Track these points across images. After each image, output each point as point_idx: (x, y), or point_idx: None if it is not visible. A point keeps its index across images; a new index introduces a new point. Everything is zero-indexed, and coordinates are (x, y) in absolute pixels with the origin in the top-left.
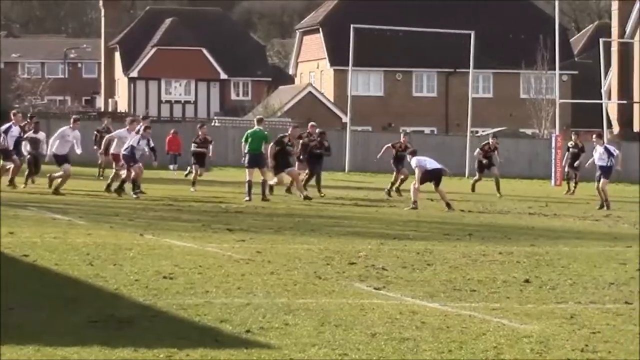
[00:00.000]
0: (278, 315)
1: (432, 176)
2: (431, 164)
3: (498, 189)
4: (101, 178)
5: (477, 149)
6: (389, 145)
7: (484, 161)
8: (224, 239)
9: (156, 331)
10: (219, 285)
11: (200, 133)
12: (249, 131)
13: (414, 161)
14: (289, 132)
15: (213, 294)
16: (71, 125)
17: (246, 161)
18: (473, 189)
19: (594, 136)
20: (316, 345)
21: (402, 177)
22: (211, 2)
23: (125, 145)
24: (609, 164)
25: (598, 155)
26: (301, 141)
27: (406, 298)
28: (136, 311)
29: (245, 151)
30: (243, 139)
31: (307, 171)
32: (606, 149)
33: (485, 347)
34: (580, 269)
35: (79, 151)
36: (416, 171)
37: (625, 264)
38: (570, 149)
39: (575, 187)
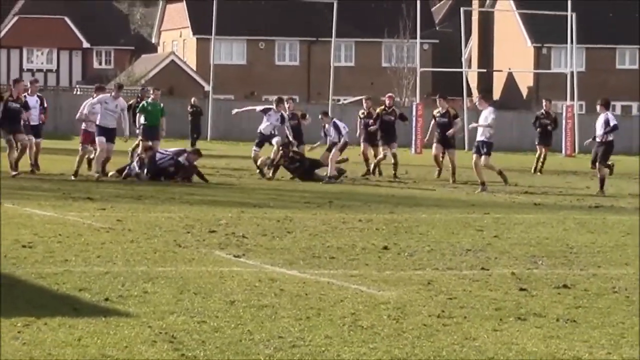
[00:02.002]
0: (137, 284)
1: None
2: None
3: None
4: None
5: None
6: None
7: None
8: (85, 207)
9: (14, 300)
10: (78, 254)
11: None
12: (146, 103)
13: None
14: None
15: (72, 262)
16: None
17: (142, 133)
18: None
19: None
20: (175, 313)
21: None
22: None
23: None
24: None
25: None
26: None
27: (265, 266)
28: None
29: (143, 123)
30: (139, 110)
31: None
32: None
33: (343, 313)
34: (438, 236)
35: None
36: None
37: (482, 231)
38: (437, 118)
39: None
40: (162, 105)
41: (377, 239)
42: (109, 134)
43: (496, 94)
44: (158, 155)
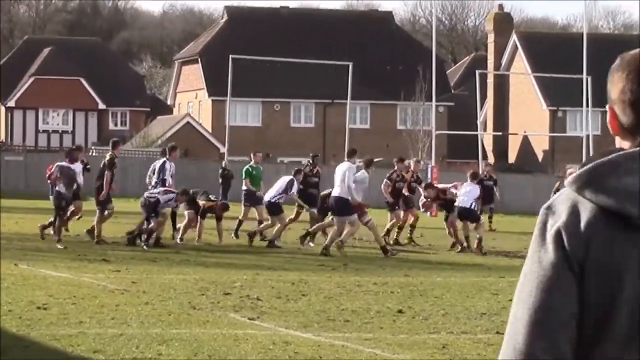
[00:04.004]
0: (152, 346)
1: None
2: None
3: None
4: None
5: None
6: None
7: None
8: (100, 269)
9: None
10: (92, 316)
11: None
12: (250, 167)
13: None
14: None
15: (87, 324)
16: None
17: (246, 199)
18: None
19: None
20: None
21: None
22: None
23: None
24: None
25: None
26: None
27: (280, 328)
28: (9, 341)
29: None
30: (245, 175)
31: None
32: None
33: None
34: (453, 299)
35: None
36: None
37: (497, 294)
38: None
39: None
40: (261, 169)
41: (392, 302)
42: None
43: (512, 157)
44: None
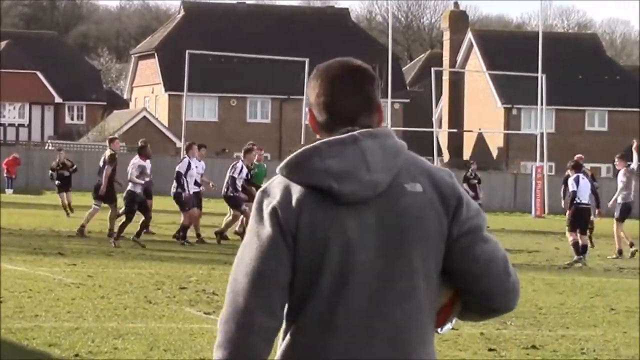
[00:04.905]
0: (107, 340)
1: None
2: None
3: None
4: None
5: None
6: None
7: None
8: (55, 262)
9: None
10: (48, 309)
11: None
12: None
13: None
14: None
15: (42, 318)
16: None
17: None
18: None
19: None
20: None
21: None
22: (47, 25)
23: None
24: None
25: None
26: None
27: None
28: None
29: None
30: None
31: None
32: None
33: None
34: None
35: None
36: None
37: None
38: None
39: None
40: (265, 166)
41: None
42: None
43: (466, 154)
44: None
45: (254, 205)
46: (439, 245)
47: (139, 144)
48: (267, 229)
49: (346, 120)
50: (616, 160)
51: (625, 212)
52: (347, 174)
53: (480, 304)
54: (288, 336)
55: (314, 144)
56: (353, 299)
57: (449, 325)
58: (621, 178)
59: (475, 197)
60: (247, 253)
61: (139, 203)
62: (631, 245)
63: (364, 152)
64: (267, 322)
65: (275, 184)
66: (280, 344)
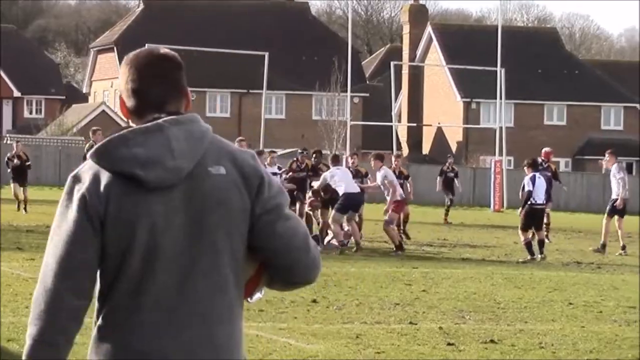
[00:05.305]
0: None
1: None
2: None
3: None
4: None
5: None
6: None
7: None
8: (13, 257)
9: None
10: (6, 304)
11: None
12: None
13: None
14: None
15: (0, 313)
16: None
17: None
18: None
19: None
20: None
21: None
22: (6, 19)
23: None
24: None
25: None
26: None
27: None
28: None
29: None
30: None
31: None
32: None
33: None
34: (366, 290)
35: None
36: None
37: (410, 285)
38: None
39: None
40: None
41: (306, 292)
42: None
43: (426, 149)
44: None
45: (65, 189)
46: (243, 224)
47: None
48: (75, 214)
49: (154, 106)
50: (607, 156)
51: (623, 208)
52: (152, 161)
53: (284, 277)
54: (101, 316)
55: (122, 132)
56: (160, 278)
57: (258, 295)
58: (618, 174)
59: (452, 191)
60: (55, 237)
61: None
62: (623, 248)
63: (169, 140)
64: (75, 302)
65: (86, 170)
66: (94, 323)
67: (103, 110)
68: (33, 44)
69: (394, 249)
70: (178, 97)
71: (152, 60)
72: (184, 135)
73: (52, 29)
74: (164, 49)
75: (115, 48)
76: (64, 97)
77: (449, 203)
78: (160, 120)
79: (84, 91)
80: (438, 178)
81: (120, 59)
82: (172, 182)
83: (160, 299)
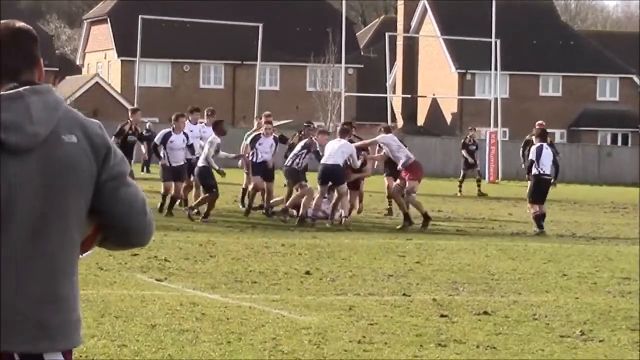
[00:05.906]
0: None
1: None
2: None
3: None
4: None
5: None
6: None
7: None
8: None
9: None
10: None
11: None
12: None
13: None
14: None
15: None
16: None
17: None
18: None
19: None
20: (95, 337)
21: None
22: None
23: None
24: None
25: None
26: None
27: (187, 290)
28: None
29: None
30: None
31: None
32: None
33: (264, 338)
34: (360, 261)
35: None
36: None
37: (404, 257)
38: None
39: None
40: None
41: (300, 264)
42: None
43: (420, 120)
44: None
45: None
46: (89, 188)
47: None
48: None
49: (9, 76)
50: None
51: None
52: (13, 126)
53: (120, 238)
54: None
55: None
56: (14, 234)
57: (89, 252)
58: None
59: (474, 164)
60: None
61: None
62: None
63: (28, 107)
64: None
65: None
66: None
67: (97, 82)
68: (26, 16)
69: (422, 220)
70: (32, 67)
71: (7, 33)
72: (42, 104)
73: (44, 0)
74: (19, 22)
75: (108, 19)
76: (57, 69)
77: (475, 176)
78: (21, 89)
79: (78, 63)
80: (463, 151)
81: (114, 30)
82: (30, 147)
83: (13, 253)
